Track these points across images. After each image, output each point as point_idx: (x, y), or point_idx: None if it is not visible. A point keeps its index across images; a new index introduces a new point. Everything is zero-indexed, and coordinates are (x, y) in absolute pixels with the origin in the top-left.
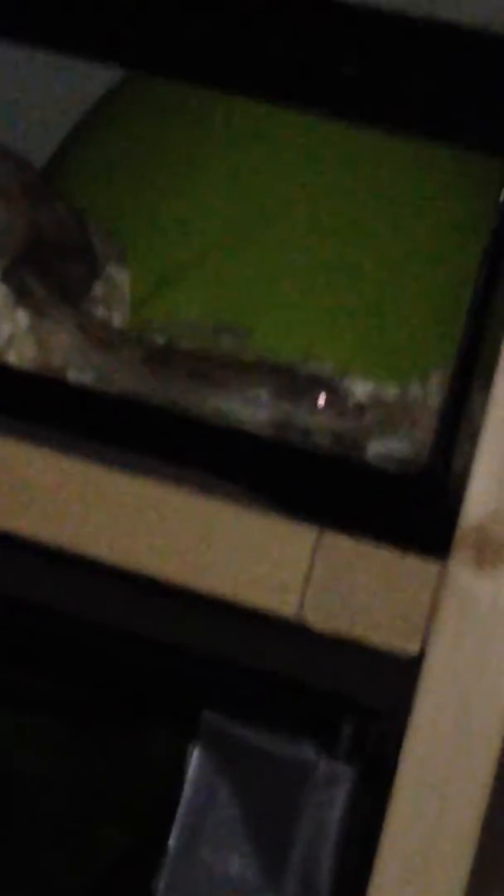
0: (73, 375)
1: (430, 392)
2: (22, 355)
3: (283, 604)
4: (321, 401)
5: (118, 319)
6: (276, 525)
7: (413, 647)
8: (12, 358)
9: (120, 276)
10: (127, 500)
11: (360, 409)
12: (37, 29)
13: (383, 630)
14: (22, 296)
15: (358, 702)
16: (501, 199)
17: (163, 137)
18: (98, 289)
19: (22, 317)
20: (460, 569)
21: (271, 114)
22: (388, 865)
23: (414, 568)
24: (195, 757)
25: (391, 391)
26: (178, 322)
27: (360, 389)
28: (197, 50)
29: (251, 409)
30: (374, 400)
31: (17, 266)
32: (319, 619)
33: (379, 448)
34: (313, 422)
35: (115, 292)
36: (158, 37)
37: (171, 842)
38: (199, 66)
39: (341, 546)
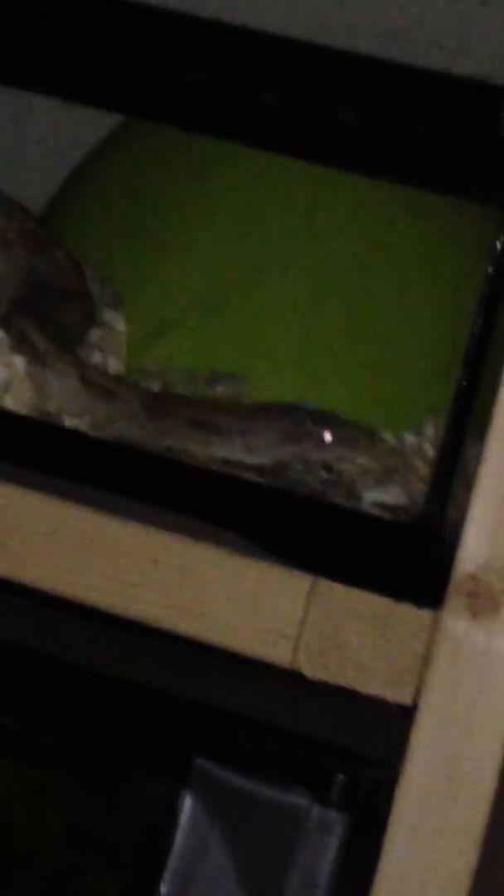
0: (69, 421)
1: (425, 441)
2: (18, 400)
3: (277, 651)
4: (328, 436)
5: (114, 366)
6: (271, 573)
7: (406, 696)
8: (9, 402)
9: (116, 323)
10: (121, 547)
11: (368, 439)
12: (34, 75)
13: (376, 679)
14: (21, 345)
15: (351, 749)
16: (497, 249)
17: (160, 184)
18: (94, 335)
19: (19, 361)
20: (454, 618)
21: (269, 163)
22: None
23: (408, 617)
24: (187, 804)
25: (386, 439)
26: (173, 370)
27: None
28: (195, 97)
29: (254, 453)
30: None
31: (14, 313)
32: (313, 667)
33: (374, 496)
34: (320, 458)
35: (112, 339)
36: (157, 84)
37: (163, 888)
38: (196, 113)
39: (335, 594)
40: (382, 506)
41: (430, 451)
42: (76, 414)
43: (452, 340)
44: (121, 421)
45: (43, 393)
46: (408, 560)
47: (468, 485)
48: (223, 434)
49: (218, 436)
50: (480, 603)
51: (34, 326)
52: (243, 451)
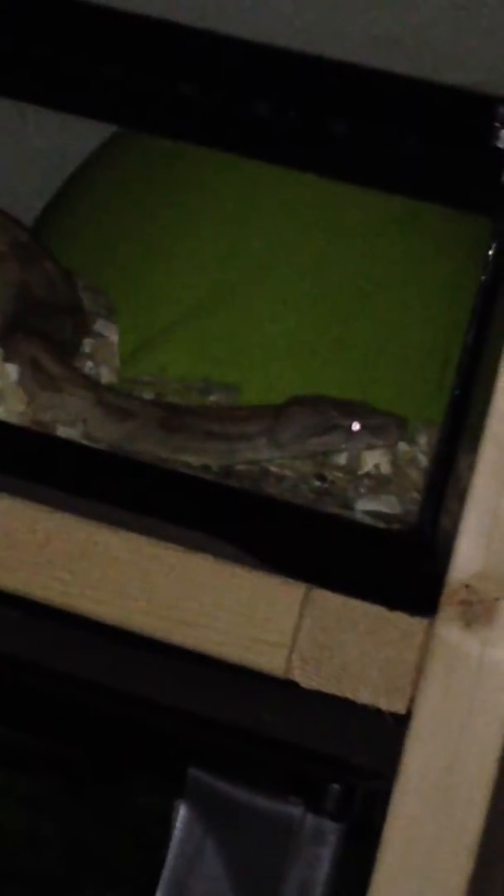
0: (62, 430)
1: (419, 450)
2: (10, 410)
3: (271, 661)
4: (356, 426)
5: (107, 376)
6: (265, 582)
7: (400, 705)
8: (0, 412)
9: (109, 333)
10: (115, 557)
11: (400, 428)
12: (27, 85)
13: (371, 688)
14: (36, 372)
15: (345, 759)
16: (489, 259)
17: (152, 195)
18: (87, 345)
19: (11, 370)
20: (447, 627)
21: (260, 173)
22: None
23: (401, 626)
24: (181, 814)
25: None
26: (166, 379)
27: None
28: (186, 108)
29: (283, 448)
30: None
31: (23, 337)
32: (307, 676)
33: (367, 505)
34: (351, 448)
35: (105, 349)
36: (148, 94)
37: None
38: (188, 123)
39: (329, 603)
40: (376, 515)
41: (423, 460)
42: (94, 436)
43: (445, 350)
44: (137, 438)
45: (59, 417)
46: (401, 569)
47: (461, 494)
48: (245, 439)
49: (239, 441)
50: (474, 612)
51: (45, 351)
52: (271, 449)
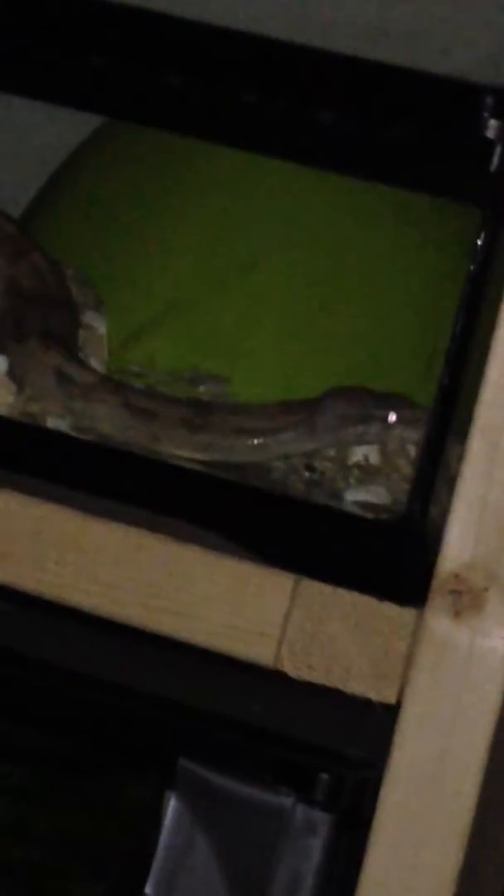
0: (51, 422)
1: (407, 440)
2: (0, 400)
3: (261, 651)
4: (392, 417)
5: (96, 367)
6: (255, 573)
7: (390, 695)
8: None
9: (97, 324)
10: (104, 548)
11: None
12: (13, 77)
13: (360, 678)
14: (61, 380)
15: (335, 749)
16: (478, 248)
17: (140, 186)
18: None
19: (1, 361)
20: (437, 617)
21: (248, 163)
22: None
23: (391, 616)
24: (171, 805)
25: None
26: (155, 371)
27: None
28: (175, 98)
29: (316, 437)
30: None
31: (48, 347)
32: (296, 666)
33: (356, 496)
34: (385, 439)
35: (93, 340)
36: (136, 85)
37: (148, 890)
38: (177, 114)
39: (318, 594)
40: (365, 505)
41: (412, 450)
42: (120, 438)
43: (434, 340)
44: (163, 438)
45: (88, 422)
46: (391, 559)
47: (450, 484)
48: (281, 432)
49: (274, 435)
50: (463, 601)
51: (68, 359)
52: (309, 439)
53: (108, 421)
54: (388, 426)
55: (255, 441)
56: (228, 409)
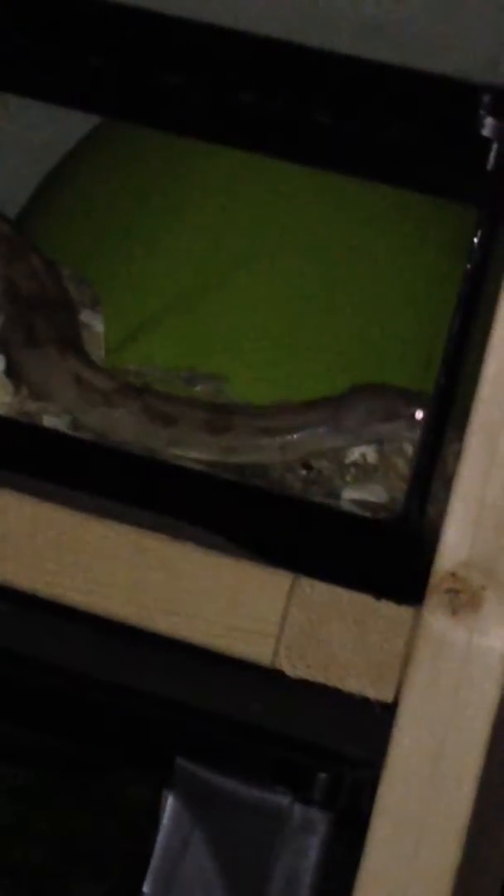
0: (48, 420)
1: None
2: None
3: (258, 650)
4: (419, 415)
5: None
6: (251, 571)
7: (387, 694)
8: None
9: (94, 323)
10: (101, 547)
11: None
12: (10, 76)
13: (358, 676)
14: (80, 388)
15: (333, 748)
16: (475, 247)
17: (137, 185)
18: None
19: None
20: (434, 615)
21: (245, 162)
22: None
23: (388, 614)
24: (169, 805)
25: None
26: (152, 370)
27: None
28: (172, 97)
29: (343, 434)
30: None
31: (67, 355)
32: (294, 665)
33: (353, 494)
34: (413, 438)
35: (90, 339)
36: (133, 84)
37: (146, 889)
38: (173, 113)
39: (316, 592)
40: (363, 504)
41: (409, 449)
42: (140, 443)
43: (431, 339)
44: (184, 442)
45: (107, 428)
46: (388, 558)
47: (447, 483)
48: (307, 428)
49: (300, 432)
50: (460, 600)
51: (86, 365)
52: (335, 436)
53: (127, 426)
54: (415, 423)
55: (281, 440)
56: (250, 410)
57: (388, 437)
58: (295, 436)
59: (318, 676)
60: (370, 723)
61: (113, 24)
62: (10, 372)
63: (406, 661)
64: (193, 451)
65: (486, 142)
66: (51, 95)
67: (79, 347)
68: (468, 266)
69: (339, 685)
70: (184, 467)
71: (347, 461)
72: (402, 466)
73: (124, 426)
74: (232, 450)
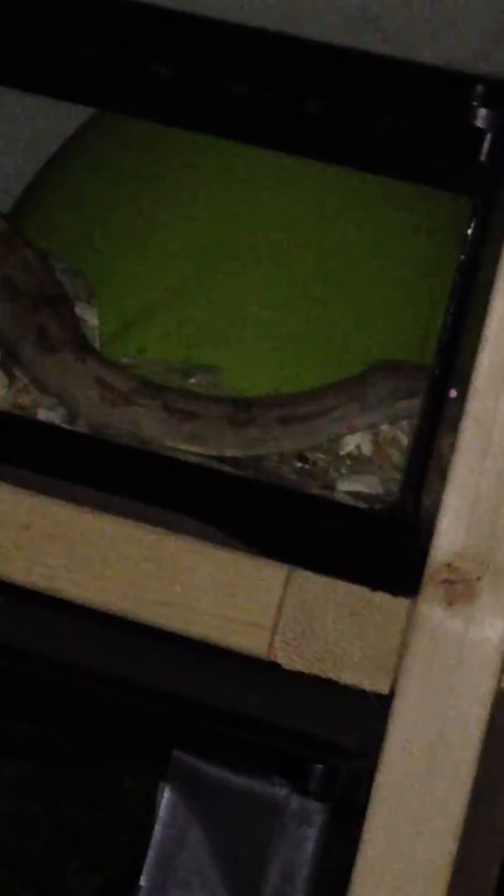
0: (43, 413)
1: (399, 429)
2: None
3: (254, 642)
4: (454, 393)
5: None
6: (247, 563)
7: (383, 685)
8: None
9: (89, 316)
10: (97, 540)
11: None
12: (3, 69)
13: (354, 668)
14: (104, 389)
15: (329, 739)
16: (468, 237)
17: (131, 177)
18: None
19: None
20: (430, 606)
21: (239, 154)
22: None
23: (384, 605)
24: (166, 797)
25: None
26: (147, 362)
27: None
28: (165, 89)
29: (367, 413)
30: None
31: (85, 356)
32: (290, 657)
33: (349, 486)
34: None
35: (85, 332)
36: (126, 76)
37: (142, 881)
38: (166, 105)
39: (311, 584)
40: (357, 495)
41: (404, 439)
42: (162, 442)
43: (425, 329)
44: (207, 437)
45: (128, 428)
46: (383, 549)
47: (442, 473)
48: (332, 411)
49: (326, 416)
50: (456, 591)
51: (107, 366)
52: (362, 415)
53: (149, 425)
54: (448, 400)
55: (305, 426)
56: (269, 400)
57: (411, 414)
58: (318, 420)
59: (313, 668)
60: (366, 714)
61: (105, 17)
62: (4, 365)
63: (402, 652)
64: (216, 447)
65: (480, 132)
66: (43, 88)
67: (92, 347)
68: (462, 256)
69: (334, 677)
70: (179, 459)
71: (342, 453)
72: (397, 457)
73: (146, 425)
74: (256, 442)
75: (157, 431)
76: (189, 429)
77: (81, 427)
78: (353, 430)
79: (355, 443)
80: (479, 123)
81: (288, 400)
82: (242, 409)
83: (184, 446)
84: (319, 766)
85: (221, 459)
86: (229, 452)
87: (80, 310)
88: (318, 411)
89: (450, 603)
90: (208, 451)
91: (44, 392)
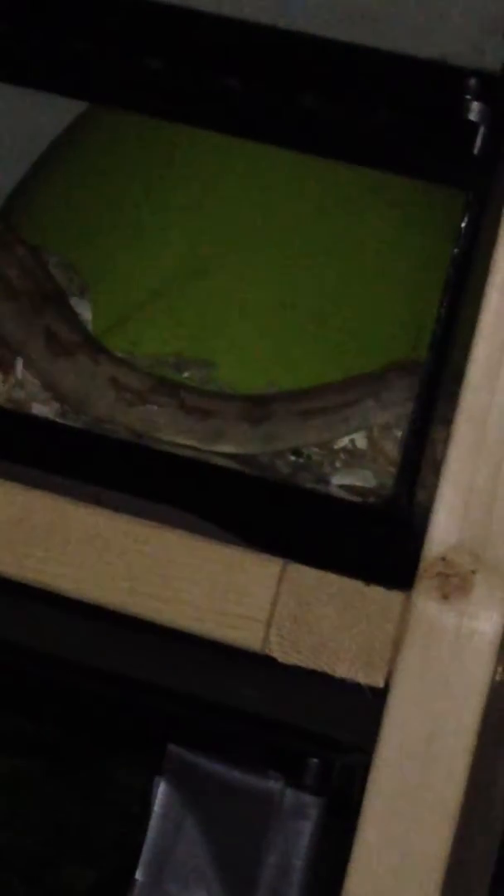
0: (37, 408)
1: (393, 423)
2: None
3: (248, 636)
4: None
5: None
6: (241, 557)
7: (378, 678)
8: None
9: (82, 311)
10: (90, 534)
11: None
12: None
13: (348, 662)
14: (118, 388)
15: (324, 733)
16: (462, 231)
17: (123, 171)
18: None
19: None
20: (424, 600)
21: (232, 148)
22: None
23: (378, 599)
24: (161, 791)
25: None
26: (140, 356)
27: None
28: (157, 83)
29: (388, 409)
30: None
31: (98, 355)
32: (284, 651)
33: (343, 480)
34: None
35: None
36: (118, 71)
37: (138, 876)
38: (158, 99)
39: (306, 578)
40: (352, 489)
41: (398, 433)
42: (178, 440)
43: (419, 323)
44: (224, 435)
45: (144, 427)
46: (378, 542)
47: (437, 467)
48: (349, 406)
49: (343, 410)
50: (451, 584)
51: (121, 365)
52: (377, 411)
53: (164, 424)
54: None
55: (323, 420)
56: (287, 395)
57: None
58: (337, 414)
59: (308, 662)
60: (361, 708)
61: (97, 10)
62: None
63: (397, 645)
64: (233, 443)
65: (473, 126)
66: (35, 82)
67: (103, 346)
68: (456, 250)
69: (329, 670)
70: (173, 453)
71: (337, 447)
72: (391, 451)
73: (162, 423)
74: (274, 437)
75: (174, 430)
76: (205, 426)
77: (75, 422)
78: (366, 427)
79: (349, 437)
80: (473, 117)
81: (304, 395)
82: (259, 405)
83: (200, 445)
84: (314, 760)
85: (237, 458)
86: (246, 449)
87: (73, 304)
88: (337, 406)
89: (444, 596)
90: (225, 449)
91: (56, 395)
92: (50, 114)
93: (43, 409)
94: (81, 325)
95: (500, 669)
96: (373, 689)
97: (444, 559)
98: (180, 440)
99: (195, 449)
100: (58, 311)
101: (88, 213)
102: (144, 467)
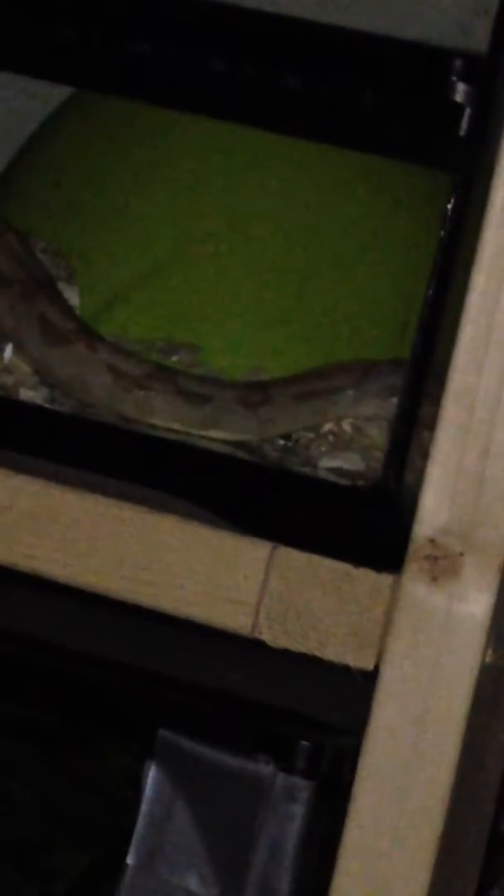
0: (24, 393)
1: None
2: None
3: (238, 620)
4: None
5: None
6: (230, 541)
7: (368, 661)
8: None
9: (70, 296)
10: (79, 519)
11: None
12: None
13: (338, 645)
14: (116, 376)
15: (314, 716)
16: (449, 212)
17: (110, 156)
18: None
19: None
20: (414, 582)
21: (219, 132)
22: (346, 880)
23: (368, 582)
24: (151, 775)
25: None
26: (128, 340)
27: None
28: (143, 67)
29: (363, 408)
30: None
31: (96, 344)
32: (274, 634)
33: (331, 463)
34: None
35: None
36: (104, 55)
37: (129, 860)
38: (144, 83)
39: (295, 561)
40: (340, 472)
41: (387, 416)
42: (175, 426)
43: (406, 306)
44: (221, 420)
45: (141, 413)
46: (366, 525)
47: (425, 449)
48: (336, 392)
49: (330, 396)
50: (440, 567)
51: (117, 352)
52: (356, 403)
53: (163, 410)
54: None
55: (317, 403)
56: (281, 380)
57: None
58: (330, 397)
59: (298, 645)
60: (351, 691)
61: None
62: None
63: (386, 628)
64: (230, 429)
65: (459, 107)
66: (20, 67)
67: (98, 333)
68: (442, 232)
69: (319, 654)
70: (161, 437)
71: (324, 430)
72: (378, 435)
73: (159, 409)
74: (271, 422)
75: (171, 416)
76: (202, 412)
77: (64, 407)
78: (348, 417)
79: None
80: (459, 99)
81: (298, 378)
82: (256, 390)
83: (198, 430)
84: (305, 744)
85: (225, 442)
86: (243, 435)
87: (61, 289)
88: (327, 389)
89: (433, 578)
90: (221, 436)
91: (53, 383)
92: (35, 99)
93: (31, 394)
94: (75, 312)
95: (489, 651)
96: (363, 672)
97: (432, 541)
98: (177, 426)
99: (187, 434)
100: (50, 298)
101: (75, 199)
102: (133, 451)
